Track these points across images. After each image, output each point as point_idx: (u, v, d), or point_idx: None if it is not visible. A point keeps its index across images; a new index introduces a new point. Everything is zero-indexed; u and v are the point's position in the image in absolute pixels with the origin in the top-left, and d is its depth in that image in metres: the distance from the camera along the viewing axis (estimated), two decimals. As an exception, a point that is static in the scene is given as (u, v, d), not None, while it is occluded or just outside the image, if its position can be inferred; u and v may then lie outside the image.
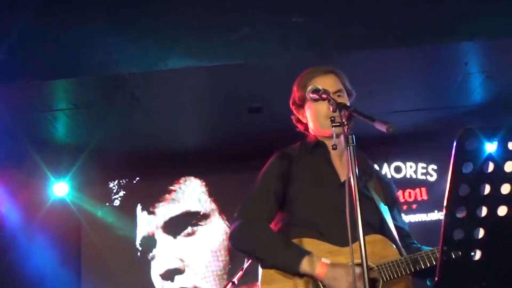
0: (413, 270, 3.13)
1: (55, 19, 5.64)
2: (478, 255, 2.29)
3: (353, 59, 5.92)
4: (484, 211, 2.25)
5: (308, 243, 3.27)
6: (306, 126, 3.59)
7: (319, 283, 3.14)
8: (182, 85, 6.46)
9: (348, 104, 3.39)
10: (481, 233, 2.27)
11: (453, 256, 2.28)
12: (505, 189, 2.23)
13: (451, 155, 2.18)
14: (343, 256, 3.15)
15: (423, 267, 3.12)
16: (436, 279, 2.29)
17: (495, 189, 2.23)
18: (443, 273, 2.28)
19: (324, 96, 3.07)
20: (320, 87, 3.16)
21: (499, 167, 2.21)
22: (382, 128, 2.60)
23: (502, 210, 2.26)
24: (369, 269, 3.00)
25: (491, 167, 2.21)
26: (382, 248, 3.21)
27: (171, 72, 5.98)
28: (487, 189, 2.23)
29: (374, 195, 3.39)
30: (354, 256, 3.00)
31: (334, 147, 3.08)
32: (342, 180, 3.36)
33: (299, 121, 3.62)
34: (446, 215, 2.23)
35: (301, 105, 3.53)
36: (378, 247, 3.20)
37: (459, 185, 2.21)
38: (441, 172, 8.41)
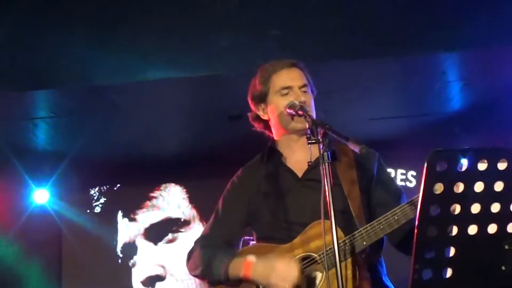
0: (362, 247, 2.91)
1: (36, 31, 5.66)
2: (449, 273, 2.32)
3: (332, 68, 5.94)
4: (455, 230, 2.29)
5: (252, 247, 3.22)
6: (265, 123, 3.39)
7: None
8: (162, 94, 6.47)
9: (312, 100, 3.27)
10: (452, 251, 2.30)
11: (425, 275, 2.30)
12: (475, 208, 2.27)
13: (421, 176, 2.22)
14: (286, 252, 3.04)
15: (374, 239, 2.92)
16: (408, 297, 2.32)
17: (466, 208, 2.26)
18: (414, 291, 2.31)
19: (300, 112, 3.01)
20: (297, 103, 3.09)
21: (469, 187, 2.24)
22: (355, 148, 2.60)
23: (472, 229, 2.29)
24: (311, 260, 2.99)
25: (461, 187, 2.24)
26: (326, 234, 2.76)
27: (151, 82, 5.99)
28: (458, 209, 2.26)
29: (342, 179, 3.14)
30: (300, 250, 3.01)
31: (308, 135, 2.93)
32: (300, 176, 3.22)
33: (257, 118, 3.40)
34: (417, 234, 2.26)
35: (262, 100, 3.32)
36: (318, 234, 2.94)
37: (429, 205, 2.24)
38: (420, 178, 8.43)
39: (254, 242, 3.42)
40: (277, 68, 3.30)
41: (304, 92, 3.25)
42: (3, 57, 5.72)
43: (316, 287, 2.96)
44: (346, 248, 2.88)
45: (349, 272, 2.88)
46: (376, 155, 3.32)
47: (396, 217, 2.89)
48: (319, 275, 2.99)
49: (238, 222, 3.35)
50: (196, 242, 3.39)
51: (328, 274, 2.84)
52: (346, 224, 2.98)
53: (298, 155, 3.29)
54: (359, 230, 2.94)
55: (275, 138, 3.39)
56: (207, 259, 3.21)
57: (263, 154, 3.40)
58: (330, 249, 2.75)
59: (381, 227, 2.91)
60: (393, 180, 3.43)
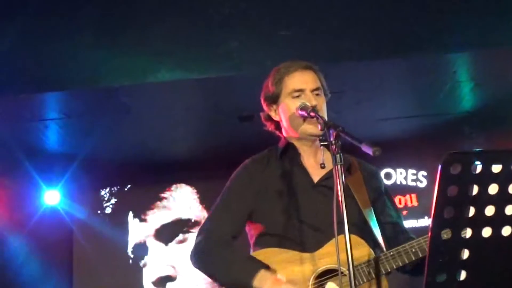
0: (388, 269, 2.95)
1: (46, 33, 5.68)
2: (463, 275, 2.31)
3: (342, 68, 5.94)
4: (469, 232, 2.28)
5: (270, 253, 3.13)
6: (276, 124, 3.37)
7: None
8: (172, 96, 6.49)
9: (325, 104, 3.26)
10: (466, 254, 2.29)
11: (439, 277, 2.30)
12: (489, 211, 2.26)
13: (436, 178, 2.21)
14: (308, 263, 3.02)
15: (400, 264, 2.96)
16: (422, 300, 2.32)
17: (480, 211, 2.25)
18: (428, 294, 2.30)
19: (312, 114, 3.00)
20: (308, 104, 3.08)
21: (483, 190, 2.24)
22: (368, 151, 2.58)
23: (486, 232, 2.28)
24: (340, 274, 2.90)
25: (475, 190, 2.23)
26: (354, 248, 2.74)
27: (161, 84, 6.00)
28: (472, 211, 2.25)
29: (355, 193, 3.16)
30: (324, 261, 2.99)
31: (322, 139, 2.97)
32: (315, 181, 3.21)
33: (269, 118, 3.38)
34: (431, 237, 2.26)
35: (274, 101, 3.30)
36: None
37: (444, 208, 2.23)
38: (431, 179, 8.42)
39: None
40: (290, 70, 3.28)
41: (317, 95, 3.23)
42: (13, 59, 5.75)
43: None
44: (371, 268, 2.90)
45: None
46: (379, 172, 3.42)
47: (413, 250, 2.95)
48: None
49: (245, 215, 3.28)
50: (204, 235, 3.26)
51: None
52: (370, 236, 3.02)
53: (311, 159, 3.29)
54: (389, 251, 2.98)
55: (290, 138, 3.35)
56: (225, 262, 3.14)
57: (274, 149, 3.37)
58: (360, 265, 2.84)
59: (413, 250, 2.95)
60: (393, 199, 3.46)
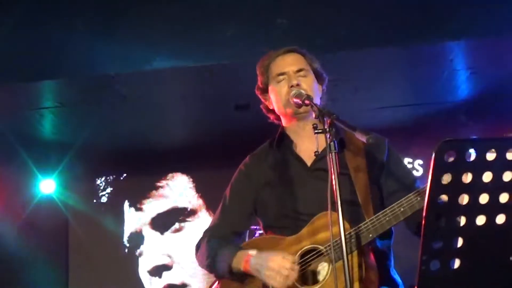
0: (368, 239, 2.88)
1: (41, 22, 5.66)
2: (457, 263, 2.30)
3: (338, 58, 5.92)
4: (463, 220, 2.27)
5: (257, 241, 3.24)
6: (275, 113, 3.39)
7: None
8: (168, 84, 6.48)
9: (314, 83, 3.28)
10: (460, 242, 2.28)
11: (432, 265, 2.29)
12: (483, 199, 2.25)
13: (429, 166, 2.20)
14: (292, 245, 3.03)
15: (383, 229, 2.88)
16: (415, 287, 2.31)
17: (474, 199, 2.24)
18: (422, 282, 2.29)
19: (306, 102, 2.99)
20: (303, 92, 3.08)
21: (477, 177, 2.22)
22: (362, 138, 2.57)
23: (480, 220, 2.27)
24: (317, 253, 2.98)
25: (469, 177, 2.22)
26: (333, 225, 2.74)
27: (157, 72, 5.99)
28: (466, 199, 2.24)
29: (351, 168, 3.12)
30: (305, 242, 3.00)
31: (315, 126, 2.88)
32: (309, 165, 3.21)
33: (269, 110, 3.42)
34: (425, 225, 2.24)
35: (265, 89, 3.36)
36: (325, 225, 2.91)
37: (437, 196, 2.22)
38: (427, 167, 8.39)
39: (261, 232, 3.43)
40: (273, 56, 3.34)
41: (302, 76, 3.24)
42: (9, 47, 5.72)
43: (323, 279, 2.94)
44: (352, 240, 2.85)
45: (356, 264, 2.85)
46: (385, 142, 3.29)
47: (402, 209, 2.87)
48: (326, 268, 2.97)
49: (246, 212, 3.36)
50: (204, 233, 3.41)
51: (335, 267, 2.81)
52: (353, 214, 2.95)
53: (307, 143, 3.27)
54: (365, 222, 2.91)
55: (285, 125, 3.38)
56: (213, 253, 3.22)
57: (272, 140, 3.39)
58: (336, 241, 2.75)
59: (387, 219, 2.89)
60: (405, 166, 3.37)
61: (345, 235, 2.64)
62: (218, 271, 3.21)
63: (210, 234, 3.36)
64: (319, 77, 3.35)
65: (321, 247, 2.96)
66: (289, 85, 3.19)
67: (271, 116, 3.44)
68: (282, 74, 3.25)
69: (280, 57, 3.32)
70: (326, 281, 2.92)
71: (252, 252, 3.06)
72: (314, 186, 3.14)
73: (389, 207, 2.90)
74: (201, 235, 3.42)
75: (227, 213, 3.38)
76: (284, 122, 3.38)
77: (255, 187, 3.32)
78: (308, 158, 3.24)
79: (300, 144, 3.31)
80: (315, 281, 2.98)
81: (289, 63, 3.28)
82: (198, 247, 3.39)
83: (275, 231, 3.21)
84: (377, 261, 2.97)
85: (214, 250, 3.24)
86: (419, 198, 2.84)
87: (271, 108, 3.38)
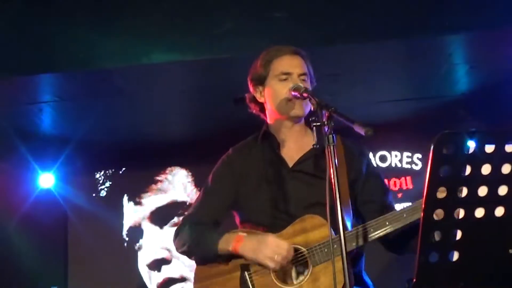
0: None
1: (39, 15, 5.65)
2: (455, 256, 2.31)
3: (336, 52, 5.92)
4: (461, 213, 2.27)
5: (246, 232, 3.22)
6: (260, 106, 3.42)
7: (245, 274, 3.05)
8: (166, 78, 6.45)
9: (310, 88, 3.27)
10: (459, 234, 2.29)
11: (431, 258, 2.29)
12: (482, 191, 2.25)
13: (428, 158, 2.20)
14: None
15: (357, 244, 2.94)
16: (414, 280, 2.31)
17: (473, 191, 2.25)
18: (420, 274, 2.30)
19: (305, 95, 3.02)
20: (301, 85, 3.11)
21: (476, 170, 2.23)
22: (360, 131, 2.57)
23: (479, 212, 2.27)
24: (298, 254, 3.01)
25: (468, 170, 2.23)
26: (316, 229, 2.98)
27: (155, 66, 5.99)
28: (464, 191, 2.24)
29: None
30: (288, 241, 2.99)
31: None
32: (290, 166, 3.25)
33: (254, 100, 3.42)
34: (423, 217, 2.25)
35: (261, 82, 3.34)
36: (312, 229, 3.01)
37: (436, 188, 2.23)
38: (426, 161, 8.38)
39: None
40: (279, 53, 3.32)
41: (303, 80, 3.26)
42: (7, 41, 5.72)
43: (301, 281, 2.98)
44: (335, 246, 2.81)
45: (339, 269, 2.80)
46: (364, 151, 3.38)
47: (387, 222, 2.93)
48: (304, 270, 3.00)
49: (225, 202, 3.37)
50: (184, 220, 3.42)
51: (313, 270, 2.88)
52: (334, 218, 2.87)
53: (291, 143, 3.33)
54: (351, 230, 2.96)
55: (269, 122, 3.41)
56: (196, 236, 3.24)
57: (256, 136, 3.42)
58: (319, 245, 2.85)
59: (372, 230, 2.95)
60: (381, 178, 3.42)
61: (333, 239, 2.73)
62: (199, 254, 3.25)
63: (190, 221, 3.36)
64: (312, 83, 3.37)
65: (303, 249, 3.00)
66: (289, 87, 3.19)
67: (254, 108, 3.46)
68: (287, 74, 3.25)
69: (287, 57, 3.31)
70: (302, 284, 2.97)
71: (243, 233, 3.10)
72: (293, 186, 3.20)
73: (375, 220, 2.96)
74: (181, 221, 3.43)
75: (209, 201, 3.38)
76: (270, 119, 3.40)
77: (237, 179, 3.34)
78: (290, 159, 3.29)
79: (283, 143, 3.34)
80: (289, 281, 3.03)
81: (295, 65, 3.28)
82: (177, 232, 3.38)
83: (253, 226, 3.23)
84: (352, 263, 3.00)
85: (196, 234, 3.25)
86: (405, 215, 2.91)
87: (260, 101, 3.39)
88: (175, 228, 3.42)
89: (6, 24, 5.62)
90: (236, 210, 3.38)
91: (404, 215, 2.91)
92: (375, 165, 3.42)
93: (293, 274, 3.04)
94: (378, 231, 2.93)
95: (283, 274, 3.03)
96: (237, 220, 3.39)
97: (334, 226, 2.77)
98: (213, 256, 3.16)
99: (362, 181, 3.26)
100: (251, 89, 3.43)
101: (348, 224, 3.00)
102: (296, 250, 3.00)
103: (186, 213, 3.49)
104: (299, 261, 3.02)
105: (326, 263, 2.93)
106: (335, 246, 2.79)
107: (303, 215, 3.05)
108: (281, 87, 3.23)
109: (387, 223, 2.93)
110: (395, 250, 3.21)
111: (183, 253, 3.35)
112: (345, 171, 3.17)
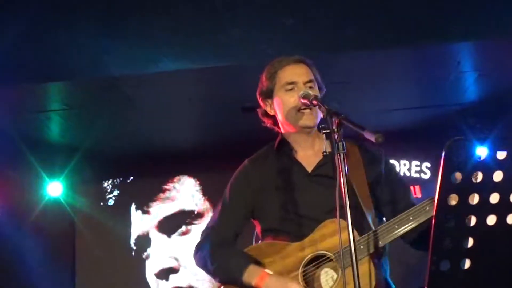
0: (371, 250, 2.94)
1: (48, 23, 5.65)
2: (467, 264, 2.29)
3: (345, 59, 5.92)
4: (473, 220, 2.26)
5: (261, 247, 3.24)
6: (273, 119, 3.43)
7: None
8: (174, 86, 6.47)
9: (319, 94, 3.29)
10: (471, 242, 2.27)
11: (442, 265, 2.28)
12: (494, 198, 2.24)
13: (440, 165, 2.18)
14: (297, 252, 3.08)
15: (383, 243, 2.96)
16: (425, 288, 2.30)
17: (484, 198, 2.24)
18: (432, 283, 2.28)
19: (314, 102, 3.02)
20: (311, 93, 3.11)
21: (488, 176, 2.21)
22: (371, 138, 2.56)
23: (491, 220, 2.26)
24: (326, 259, 3.01)
25: (480, 177, 2.21)
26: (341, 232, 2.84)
27: (163, 74, 5.99)
28: (476, 198, 2.23)
29: (351, 177, 3.05)
30: (311, 248, 3.03)
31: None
32: (309, 171, 3.27)
33: (266, 114, 3.44)
34: (435, 224, 2.24)
35: (269, 95, 3.36)
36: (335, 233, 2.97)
37: (448, 195, 2.22)
38: (435, 170, 8.39)
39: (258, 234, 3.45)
40: (283, 64, 3.34)
41: (310, 87, 3.26)
42: (15, 50, 5.72)
43: (331, 286, 2.99)
44: (362, 247, 2.88)
45: (365, 271, 2.89)
46: (382, 154, 3.35)
47: (411, 217, 2.93)
48: (334, 274, 3.01)
49: (244, 215, 3.40)
50: (205, 235, 3.42)
51: (344, 273, 2.80)
52: (358, 221, 2.95)
53: (307, 149, 3.34)
54: (374, 230, 2.97)
55: (284, 132, 3.41)
56: (222, 259, 3.25)
57: (272, 145, 3.43)
58: (345, 247, 2.75)
59: (396, 227, 2.95)
60: (400, 177, 3.45)
61: (354, 242, 2.64)
62: (224, 279, 3.24)
63: (213, 238, 3.37)
64: (321, 89, 3.38)
65: (329, 254, 3.00)
66: (298, 95, 3.19)
67: (268, 122, 3.47)
68: (292, 83, 3.26)
69: (291, 66, 3.33)
70: None
71: (268, 271, 3.08)
72: (315, 190, 3.20)
73: (398, 216, 2.97)
74: (202, 235, 3.45)
75: (228, 215, 3.40)
76: (283, 130, 3.41)
77: (255, 190, 3.35)
78: (308, 164, 3.29)
79: (300, 151, 3.35)
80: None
81: (299, 73, 3.29)
82: (198, 248, 3.40)
83: (276, 234, 3.24)
84: (376, 268, 3.00)
85: (221, 256, 3.26)
86: (427, 208, 2.92)
87: (271, 114, 3.40)
88: (183, 237, 3.43)
89: (14, 33, 5.63)
90: (256, 219, 3.39)
91: (427, 208, 2.92)
92: (392, 165, 3.43)
93: (322, 279, 3.04)
94: (403, 227, 2.94)
95: (312, 281, 3.04)
96: (258, 229, 3.40)
97: (356, 228, 2.76)
98: (237, 284, 3.15)
99: (382, 182, 3.26)
100: (261, 103, 3.44)
101: (371, 225, 3.01)
102: (322, 256, 3.01)
103: (206, 225, 3.49)
104: (327, 266, 3.02)
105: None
106: (361, 246, 2.86)
107: (325, 219, 3.05)
108: (288, 97, 3.25)
109: (410, 218, 2.93)
110: (423, 247, 3.15)
111: (206, 272, 3.36)
112: (363, 173, 3.18)
